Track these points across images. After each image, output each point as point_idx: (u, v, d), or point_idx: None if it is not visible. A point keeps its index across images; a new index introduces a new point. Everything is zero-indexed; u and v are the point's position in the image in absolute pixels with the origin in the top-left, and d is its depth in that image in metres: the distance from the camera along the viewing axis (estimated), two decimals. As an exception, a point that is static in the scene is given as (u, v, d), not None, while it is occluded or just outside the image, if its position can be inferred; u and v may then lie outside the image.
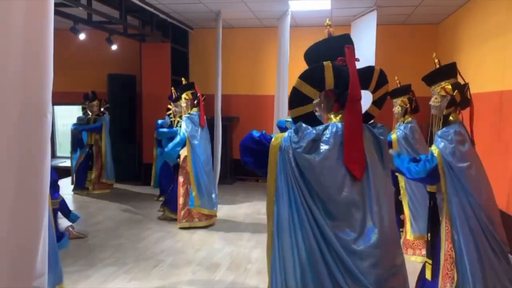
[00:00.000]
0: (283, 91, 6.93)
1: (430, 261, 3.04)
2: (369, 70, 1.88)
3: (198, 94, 5.57)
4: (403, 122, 4.46)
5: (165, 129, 5.97)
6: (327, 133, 1.80)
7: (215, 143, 7.20)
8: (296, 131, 1.82)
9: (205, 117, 5.60)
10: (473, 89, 5.60)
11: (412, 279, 3.06)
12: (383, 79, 1.92)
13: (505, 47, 4.80)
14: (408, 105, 4.45)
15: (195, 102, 5.53)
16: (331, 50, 1.89)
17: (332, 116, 1.91)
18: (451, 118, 2.98)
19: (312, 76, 1.83)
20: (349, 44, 1.88)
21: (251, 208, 6.35)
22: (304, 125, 1.82)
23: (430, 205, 3.06)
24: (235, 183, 8.28)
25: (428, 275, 3.05)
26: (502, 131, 4.78)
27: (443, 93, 2.98)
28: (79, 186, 7.28)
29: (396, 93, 4.54)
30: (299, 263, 1.77)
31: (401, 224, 4.46)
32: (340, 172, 1.76)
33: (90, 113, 7.34)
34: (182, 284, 3.78)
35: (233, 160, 8.38)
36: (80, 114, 7.60)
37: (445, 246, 2.89)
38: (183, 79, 5.77)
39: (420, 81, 3.24)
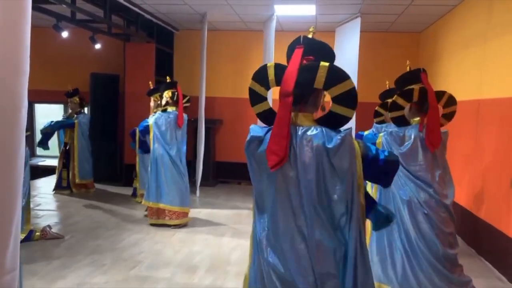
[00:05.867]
0: (268, 95, 6.95)
1: None
2: (313, 65, 1.81)
3: (179, 93, 5.55)
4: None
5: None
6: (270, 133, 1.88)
7: (198, 145, 7.20)
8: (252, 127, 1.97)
9: (184, 116, 5.57)
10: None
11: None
12: (335, 75, 1.79)
13: (484, 57, 4.92)
14: None
15: (173, 100, 5.53)
16: (288, 53, 1.94)
17: (302, 117, 1.95)
18: (413, 122, 3.23)
19: (258, 75, 1.96)
20: (297, 44, 1.89)
21: (232, 211, 6.34)
22: (252, 125, 1.96)
23: None
24: (217, 186, 8.26)
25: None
26: (479, 138, 4.88)
27: None
28: (59, 186, 7.18)
29: (387, 95, 4.62)
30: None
31: None
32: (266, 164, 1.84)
33: (71, 110, 7.24)
34: (160, 285, 3.75)
35: (216, 162, 8.37)
36: (62, 113, 7.51)
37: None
38: (167, 77, 5.74)
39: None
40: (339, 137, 1.75)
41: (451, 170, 5.28)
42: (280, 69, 1.88)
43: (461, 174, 5.35)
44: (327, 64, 1.79)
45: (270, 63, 1.92)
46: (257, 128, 1.92)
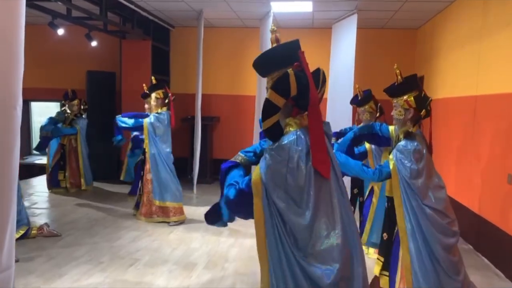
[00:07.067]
0: (264, 92, 6.94)
1: (382, 259, 3.23)
2: (318, 72, 1.95)
3: (169, 94, 5.58)
4: None
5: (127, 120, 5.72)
6: (300, 144, 1.84)
7: (195, 143, 7.19)
8: (279, 151, 1.84)
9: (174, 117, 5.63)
10: (450, 94, 5.79)
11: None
12: (324, 79, 2.01)
13: (480, 54, 4.92)
14: (375, 110, 4.47)
15: (166, 101, 5.56)
16: (284, 56, 1.91)
17: (292, 122, 1.93)
18: (412, 129, 3.06)
19: (280, 85, 1.86)
20: (299, 49, 1.91)
21: (230, 208, 6.33)
22: (284, 143, 1.85)
23: (388, 205, 3.16)
24: (214, 183, 8.25)
25: (376, 271, 3.24)
26: (476, 134, 4.89)
27: (406, 106, 3.01)
28: (54, 185, 7.14)
29: (362, 101, 4.59)
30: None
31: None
32: (317, 180, 1.84)
33: (69, 112, 7.19)
34: (158, 283, 3.74)
35: (212, 160, 8.36)
36: (59, 109, 7.44)
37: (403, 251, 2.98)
38: (153, 78, 5.73)
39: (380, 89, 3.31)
40: (329, 125, 2.06)
41: (448, 165, 5.28)
42: (299, 76, 1.84)
43: (458, 170, 5.37)
44: (321, 69, 1.98)
45: (290, 70, 1.84)
46: (290, 147, 1.85)
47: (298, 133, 1.87)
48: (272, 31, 2.01)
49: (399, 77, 3.09)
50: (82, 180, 7.14)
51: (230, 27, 8.26)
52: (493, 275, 4.13)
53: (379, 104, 4.47)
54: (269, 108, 1.87)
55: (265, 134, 1.93)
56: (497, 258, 4.30)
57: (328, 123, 2.05)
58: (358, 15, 6.46)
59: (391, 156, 2.99)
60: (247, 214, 1.97)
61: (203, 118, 7.33)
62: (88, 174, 7.28)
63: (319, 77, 1.94)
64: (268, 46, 7.17)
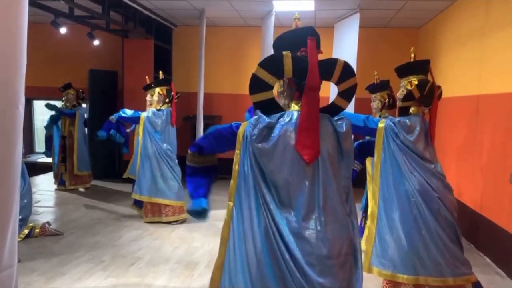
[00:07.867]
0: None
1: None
2: (331, 62, 1.91)
3: (173, 93, 5.56)
4: (379, 117, 4.50)
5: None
6: (281, 121, 1.89)
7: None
8: (254, 119, 1.92)
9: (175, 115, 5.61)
10: (452, 93, 5.77)
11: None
12: (348, 72, 1.94)
13: (482, 53, 4.91)
14: (387, 100, 4.50)
15: (167, 100, 5.54)
16: (294, 40, 1.95)
17: (293, 104, 1.98)
18: (411, 111, 3.12)
19: (270, 63, 1.89)
20: (313, 35, 1.92)
21: (232, 207, 6.33)
22: (260, 113, 1.92)
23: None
24: (216, 182, 8.24)
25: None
26: (479, 133, 4.88)
27: (409, 87, 3.09)
28: (62, 183, 7.18)
29: (376, 88, 4.61)
30: (254, 246, 1.90)
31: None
32: (289, 157, 1.84)
33: (68, 104, 7.22)
34: (160, 281, 3.75)
35: (215, 159, 8.36)
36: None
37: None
38: (160, 72, 5.73)
39: (399, 81, 3.34)
40: (345, 123, 1.97)
41: (450, 164, 5.26)
42: (298, 59, 1.86)
43: (460, 169, 5.36)
44: (342, 61, 1.91)
45: (286, 52, 1.85)
46: (262, 116, 1.92)
47: (287, 112, 1.93)
48: (295, 19, 2.06)
49: (413, 60, 3.19)
50: (75, 163, 7.05)
51: (232, 26, 8.26)
52: (494, 274, 4.12)
53: (392, 94, 4.51)
54: (254, 83, 1.91)
55: (255, 107, 1.99)
56: (498, 257, 4.29)
57: (344, 119, 2.02)
58: (360, 14, 6.46)
59: (382, 119, 3.14)
60: (218, 146, 2.19)
61: (205, 117, 7.33)
62: (84, 162, 7.21)
63: (334, 67, 1.90)
64: (269, 45, 7.20)
